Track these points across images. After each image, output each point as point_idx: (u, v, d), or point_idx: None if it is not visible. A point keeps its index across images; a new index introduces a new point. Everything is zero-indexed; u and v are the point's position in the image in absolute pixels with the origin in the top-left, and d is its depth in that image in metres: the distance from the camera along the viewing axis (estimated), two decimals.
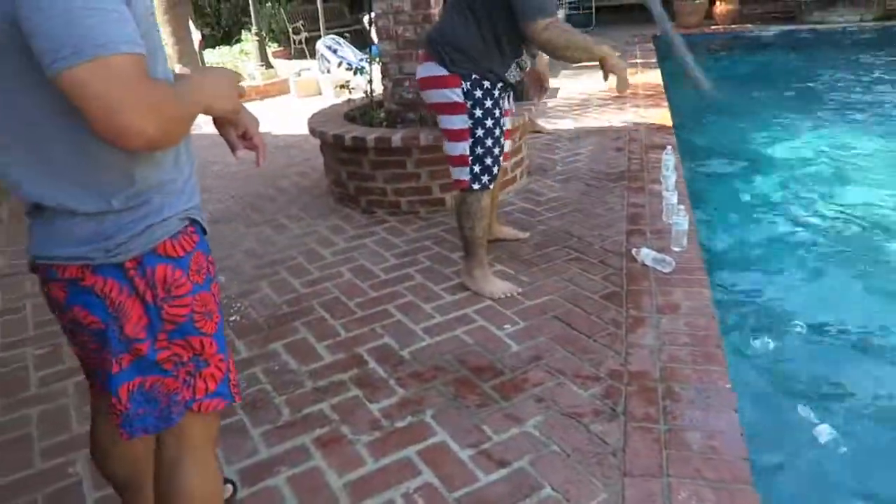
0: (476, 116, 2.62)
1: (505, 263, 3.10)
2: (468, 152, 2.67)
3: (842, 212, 4.15)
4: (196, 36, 8.47)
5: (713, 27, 11.04)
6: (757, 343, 2.74)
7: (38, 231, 1.17)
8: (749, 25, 11.07)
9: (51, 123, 1.07)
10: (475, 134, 2.64)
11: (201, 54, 8.85)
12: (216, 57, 9.93)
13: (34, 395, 2.39)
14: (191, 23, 8.54)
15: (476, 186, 2.71)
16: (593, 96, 6.45)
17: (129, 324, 1.17)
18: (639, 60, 8.18)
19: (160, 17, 8.59)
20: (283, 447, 2.02)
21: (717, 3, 11.22)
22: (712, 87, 3.99)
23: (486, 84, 2.61)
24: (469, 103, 2.60)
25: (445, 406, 2.15)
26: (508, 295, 2.79)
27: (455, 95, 2.60)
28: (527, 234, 3.37)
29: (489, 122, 2.64)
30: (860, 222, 3.98)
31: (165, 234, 1.17)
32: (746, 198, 4.44)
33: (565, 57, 2.54)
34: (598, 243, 3.24)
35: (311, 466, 1.93)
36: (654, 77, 7.08)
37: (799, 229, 3.91)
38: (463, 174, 2.71)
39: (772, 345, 2.72)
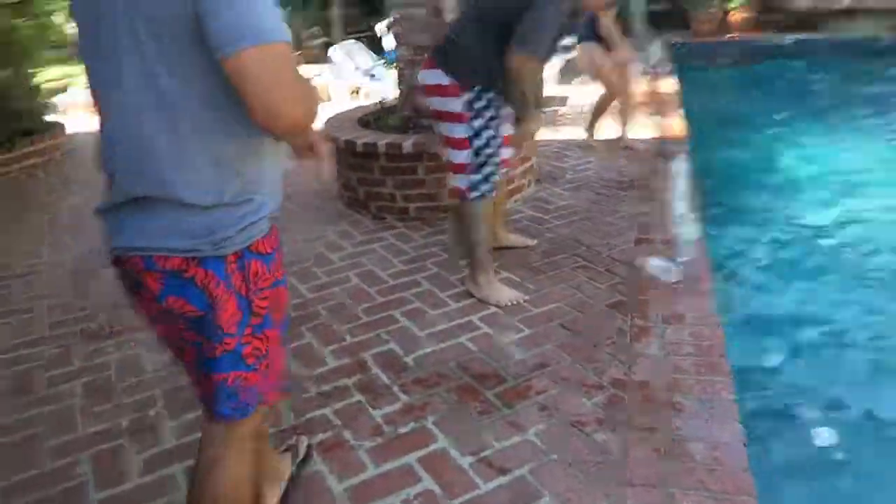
0: (476, 126, 2.65)
1: (512, 270, 3.10)
2: (468, 161, 2.69)
3: (853, 223, 4.11)
4: None
5: (728, 36, 11.00)
6: (762, 353, 2.72)
7: (135, 224, 1.20)
8: (766, 34, 11.02)
9: (193, 114, 1.15)
10: (474, 143, 2.67)
11: None
12: None
13: (43, 396, 2.42)
14: None
15: (474, 195, 2.73)
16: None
17: (225, 315, 1.23)
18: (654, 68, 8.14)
19: None
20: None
21: (732, 11, 11.18)
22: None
23: (489, 95, 2.64)
24: (470, 114, 2.63)
25: (448, 413, 2.16)
26: (514, 302, 2.79)
27: (457, 105, 2.63)
28: (535, 242, 3.38)
29: (489, 132, 2.68)
30: (872, 234, 3.94)
31: (260, 232, 1.25)
32: (758, 208, 4.41)
33: (517, 88, 2.62)
34: (605, 252, 3.23)
35: (312, 471, 1.94)
36: (669, 85, 7.06)
37: (809, 240, 3.88)
38: (462, 182, 2.74)
39: (777, 355, 2.71)
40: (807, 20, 11.41)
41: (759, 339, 2.85)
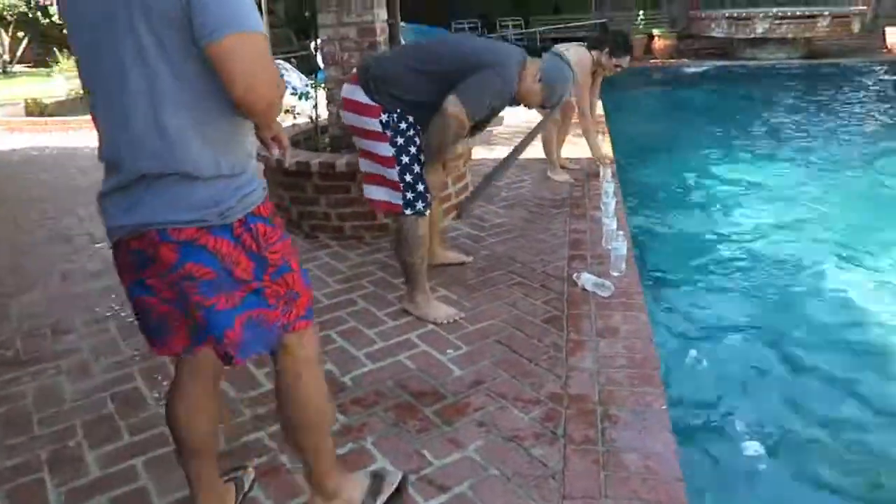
0: (398, 144, 2.65)
1: (448, 288, 3.12)
2: (398, 179, 2.68)
3: (772, 234, 4.33)
4: None
5: (652, 61, 11.48)
6: (693, 363, 2.82)
7: (146, 202, 1.32)
8: (686, 60, 11.55)
9: (190, 96, 1.29)
10: (401, 161, 2.66)
11: None
12: None
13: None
14: None
15: (409, 212, 2.72)
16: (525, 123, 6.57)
17: (239, 269, 1.39)
18: None
19: None
20: None
21: (656, 38, 11.69)
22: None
23: (411, 118, 2.65)
24: (389, 133, 2.63)
25: (386, 432, 2.13)
26: (451, 320, 2.79)
27: (372, 125, 2.62)
28: (470, 259, 3.40)
29: (413, 149, 2.67)
30: (791, 245, 4.16)
31: (258, 199, 1.42)
32: (683, 223, 4.59)
33: (433, 137, 2.64)
34: (540, 268, 3.29)
35: (248, 497, 1.88)
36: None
37: (731, 252, 4.07)
38: (394, 198, 2.73)
39: (707, 365, 2.81)
40: (723, 48, 12.03)
41: (689, 350, 2.95)
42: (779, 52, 11.18)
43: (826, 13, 10.86)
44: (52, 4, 12.62)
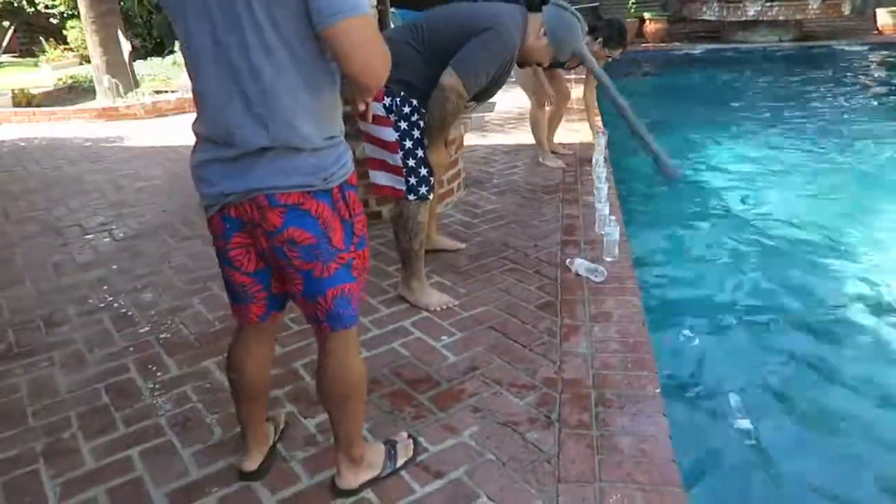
0: (402, 129, 2.62)
1: (442, 275, 3.12)
2: (401, 164, 2.67)
3: (766, 217, 4.35)
4: (126, 47, 8.23)
5: (643, 45, 11.44)
6: (686, 346, 2.83)
7: (260, 169, 1.44)
8: (677, 43, 11.52)
9: (300, 75, 1.40)
10: (404, 146, 2.64)
11: (132, 65, 8.59)
12: (147, 68, 9.67)
13: None
14: (120, 33, 8.29)
15: (412, 197, 2.71)
16: (517, 111, 6.56)
17: (336, 236, 1.52)
18: (572, 76, 8.37)
19: (88, 27, 8.33)
20: (214, 467, 1.97)
21: (648, 22, 11.64)
22: (678, 174, 3.88)
23: (414, 101, 2.62)
24: (393, 117, 2.60)
25: (381, 419, 2.14)
26: (445, 307, 2.80)
27: (376, 108, 2.57)
28: (465, 245, 3.40)
29: (416, 133, 2.64)
30: (785, 227, 4.18)
31: (351, 168, 1.56)
32: (676, 207, 4.59)
33: (432, 111, 2.59)
34: (533, 254, 3.29)
35: (243, 486, 1.88)
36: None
37: (725, 235, 4.08)
38: (397, 183, 2.71)
39: (700, 348, 2.82)
40: (715, 31, 12.00)
41: (682, 333, 2.97)
42: (770, 35, 11.15)
43: None
44: None
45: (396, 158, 2.66)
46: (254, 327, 1.74)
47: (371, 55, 1.35)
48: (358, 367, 1.73)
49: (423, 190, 2.71)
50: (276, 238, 1.49)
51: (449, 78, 2.51)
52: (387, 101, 2.58)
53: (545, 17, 2.69)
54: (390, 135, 2.63)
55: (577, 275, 2.98)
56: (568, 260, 3.09)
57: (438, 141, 2.74)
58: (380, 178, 2.78)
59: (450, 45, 2.55)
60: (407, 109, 2.62)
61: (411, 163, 2.66)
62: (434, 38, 2.60)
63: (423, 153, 2.68)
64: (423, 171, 2.69)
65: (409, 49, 2.60)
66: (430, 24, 2.66)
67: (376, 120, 2.60)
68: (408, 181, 2.69)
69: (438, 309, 2.79)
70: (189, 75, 1.47)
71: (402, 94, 2.59)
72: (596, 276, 2.93)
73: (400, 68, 2.48)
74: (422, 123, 2.65)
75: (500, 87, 2.81)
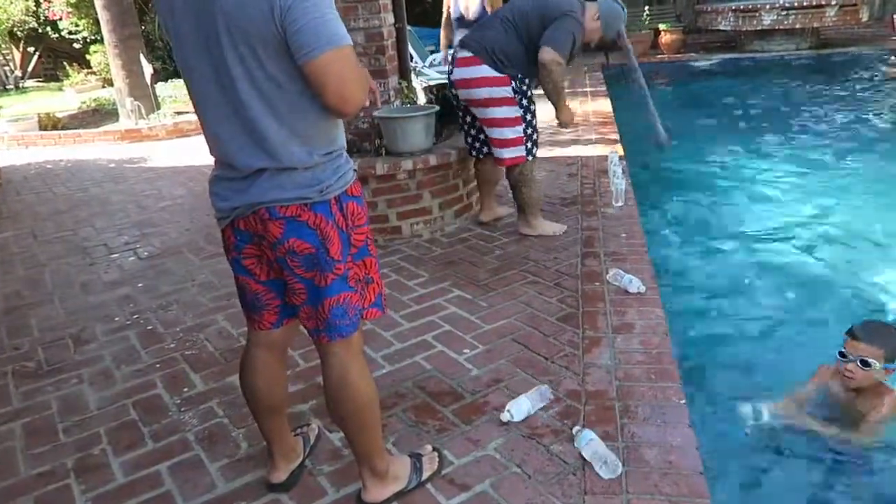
0: (524, 105, 3.46)
1: (463, 288, 3.13)
2: (522, 134, 3.47)
3: (787, 227, 4.31)
4: (148, 70, 8.39)
5: (659, 56, 11.43)
6: (710, 357, 2.80)
7: (259, 185, 1.52)
8: (693, 54, 11.49)
9: (287, 105, 1.47)
10: (526, 118, 3.48)
11: (153, 87, 8.75)
12: (168, 90, 9.83)
13: None
14: (142, 57, 8.46)
15: (531, 158, 3.55)
16: (546, 124, 6.58)
17: (333, 247, 1.57)
18: (588, 89, 8.40)
19: (111, 52, 8.51)
20: (242, 481, 1.99)
21: (663, 33, 11.64)
22: (668, 141, 5.22)
23: (527, 80, 3.44)
24: (518, 97, 3.42)
25: (406, 432, 2.15)
26: (559, 232, 3.64)
27: (506, 92, 3.38)
28: (513, 210, 3.92)
29: (533, 107, 3.52)
30: (807, 237, 4.14)
31: (350, 179, 1.62)
32: (696, 217, 4.57)
33: (546, 85, 3.39)
34: (553, 266, 3.29)
35: (270, 499, 1.90)
36: (605, 105, 7.28)
37: (746, 245, 4.04)
38: (519, 151, 3.51)
39: (723, 358, 2.80)
40: (731, 41, 11.96)
41: (706, 343, 2.94)
42: (787, 43, 11.08)
43: (833, 2, 10.73)
44: (60, 19, 12.74)
45: (518, 130, 3.46)
46: (267, 341, 1.78)
47: (346, 86, 1.42)
48: (363, 385, 1.71)
49: (535, 150, 3.58)
50: (279, 249, 1.57)
51: (548, 55, 3.26)
52: (514, 84, 3.39)
53: (599, 4, 3.46)
54: (516, 111, 3.44)
55: (617, 286, 2.95)
56: (612, 271, 3.05)
57: (561, 102, 3.53)
58: (506, 153, 3.52)
59: (537, 33, 3.32)
60: (524, 87, 3.43)
61: (528, 130, 3.49)
62: (527, 29, 3.34)
63: (535, 119, 3.52)
64: (535, 136, 3.55)
65: (516, 42, 3.36)
66: (522, 18, 3.35)
67: (507, 101, 3.40)
68: (526, 146, 3.50)
69: (554, 234, 3.62)
70: (192, 103, 1.58)
71: (520, 76, 3.39)
72: (634, 287, 2.90)
73: (511, 60, 3.37)
74: (531, 93, 3.47)
75: (576, 58, 3.62)
